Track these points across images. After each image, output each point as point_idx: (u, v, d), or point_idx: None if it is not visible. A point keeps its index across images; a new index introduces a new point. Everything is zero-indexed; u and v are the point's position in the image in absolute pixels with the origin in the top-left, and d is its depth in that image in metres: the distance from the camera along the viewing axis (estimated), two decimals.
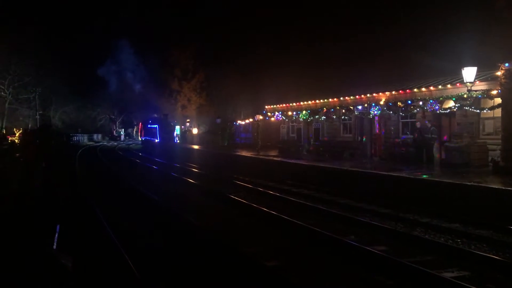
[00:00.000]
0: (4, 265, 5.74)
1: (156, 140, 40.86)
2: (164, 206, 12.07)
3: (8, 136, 36.72)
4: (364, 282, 6.53)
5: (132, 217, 11.17)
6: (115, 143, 64.78)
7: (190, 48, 46.62)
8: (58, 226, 7.19)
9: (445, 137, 17.64)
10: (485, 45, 19.98)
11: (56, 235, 6.80)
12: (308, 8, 36.66)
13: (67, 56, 64.26)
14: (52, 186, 15.38)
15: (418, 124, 18.17)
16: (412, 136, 18.61)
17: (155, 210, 12.02)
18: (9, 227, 8.63)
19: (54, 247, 6.52)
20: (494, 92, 14.36)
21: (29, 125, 47.91)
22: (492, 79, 15.22)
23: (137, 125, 64.43)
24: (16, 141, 35.26)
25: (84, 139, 71.28)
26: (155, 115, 48.76)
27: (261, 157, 23.59)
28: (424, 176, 13.20)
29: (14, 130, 42.27)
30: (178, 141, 44.60)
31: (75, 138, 64.68)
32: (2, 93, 42.50)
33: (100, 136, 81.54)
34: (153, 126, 43.29)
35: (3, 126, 42.21)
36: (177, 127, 49.20)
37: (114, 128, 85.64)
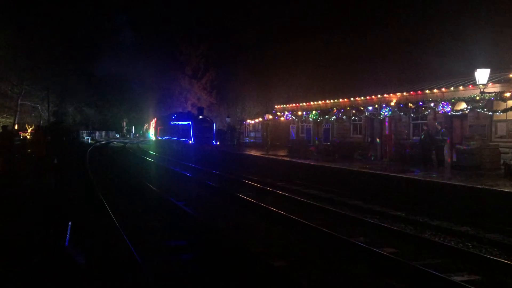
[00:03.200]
0: (17, 262, 5.83)
1: (190, 141, 30.02)
2: (178, 206, 12.14)
3: (20, 132, 37.09)
4: (373, 285, 6.52)
5: (133, 202, 11.27)
6: (116, 142, 60.82)
7: (201, 47, 46.88)
8: (70, 223, 7.27)
9: (448, 140, 17.35)
10: (498, 46, 19.78)
11: (68, 232, 6.89)
12: (319, 7, 36.59)
13: (79, 54, 64.72)
14: (64, 182, 15.54)
15: (425, 126, 17.99)
16: (419, 138, 18.43)
17: (161, 205, 12.10)
18: (21, 223, 8.76)
19: (66, 244, 6.60)
20: (507, 94, 14.22)
21: (41, 122, 48.39)
22: (505, 81, 15.07)
23: (151, 122, 51.71)
24: (28, 137, 35.61)
25: (82, 136, 60.05)
26: (176, 111, 41.21)
27: (270, 157, 23.58)
28: (457, 181, 13.11)
29: (26, 126, 42.75)
30: (218, 142, 31.40)
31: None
32: (15, 89, 42.90)
33: (103, 133, 78.68)
34: (179, 123, 32.73)
35: (16, 122, 42.65)
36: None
37: (124, 126, 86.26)
